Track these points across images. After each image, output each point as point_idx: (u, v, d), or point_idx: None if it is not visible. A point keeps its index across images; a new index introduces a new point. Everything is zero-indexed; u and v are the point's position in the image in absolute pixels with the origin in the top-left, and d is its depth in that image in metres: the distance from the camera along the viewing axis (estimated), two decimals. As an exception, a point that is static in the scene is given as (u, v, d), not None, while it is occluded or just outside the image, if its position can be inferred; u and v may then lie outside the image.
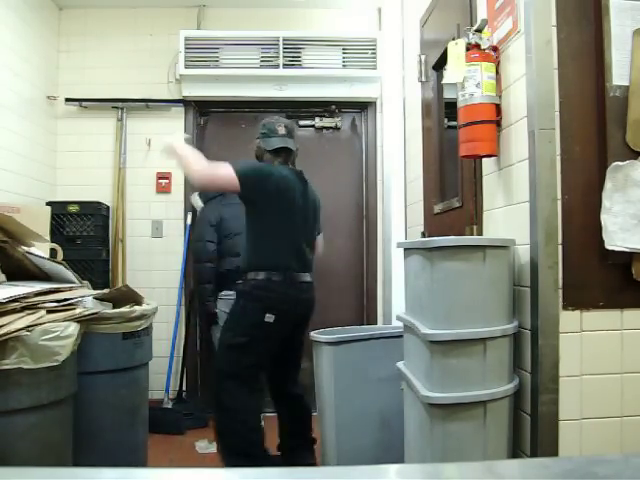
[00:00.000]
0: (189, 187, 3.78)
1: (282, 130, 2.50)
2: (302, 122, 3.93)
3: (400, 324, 2.03)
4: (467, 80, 1.92)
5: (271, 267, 2.35)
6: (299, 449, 2.52)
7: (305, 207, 2.49)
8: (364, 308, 3.89)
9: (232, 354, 2.37)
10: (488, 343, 1.64)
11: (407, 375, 1.86)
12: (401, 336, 2.04)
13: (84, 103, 3.75)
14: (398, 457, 2.07)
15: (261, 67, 3.68)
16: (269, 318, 2.30)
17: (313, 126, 3.94)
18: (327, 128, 3.95)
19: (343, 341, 2.33)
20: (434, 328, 1.64)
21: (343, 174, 3.95)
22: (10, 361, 1.68)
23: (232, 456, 2.31)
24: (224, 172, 2.29)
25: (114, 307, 2.26)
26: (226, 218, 3.25)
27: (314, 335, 2.39)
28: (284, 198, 2.39)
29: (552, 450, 1.70)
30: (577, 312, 1.72)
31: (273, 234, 2.37)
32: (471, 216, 2.28)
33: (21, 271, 2.13)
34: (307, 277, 2.46)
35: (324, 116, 3.93)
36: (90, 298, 2.20)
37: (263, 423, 2.51)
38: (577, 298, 1.72)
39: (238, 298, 2.43)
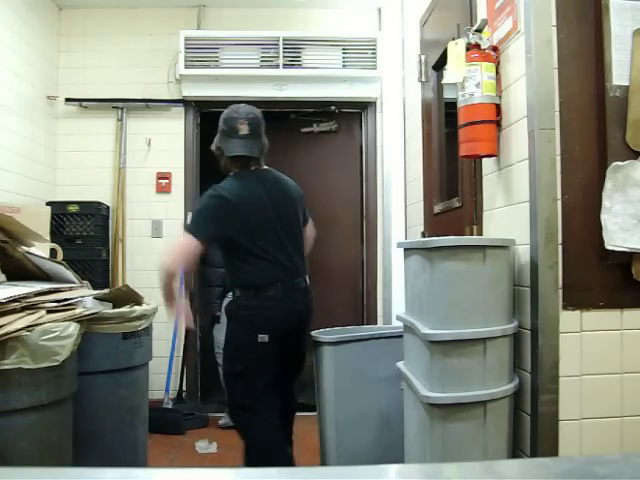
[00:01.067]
0: (189, 187, 3.79)
1: (244, 129, 2.21)
2: (302, 124, 3.93)
3: (400, 324, 2.03)
4: (467, 80, 1.92)
5: (256, 285, 2.20)
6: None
7: (279, 208, 2.25)
8: (364, 308, 3.88)
9: (236, 384, 2.23)
10: (488, 343, 1.64)
11: (407, 375, 1.86)
12: (401, 336, 2.04)
13: (84, 103, 3.75)
14: (398, 457, 2.06)
15: (261, 67, 3.68)
16: (262, 338, 2.14)
17: (313, 126, 3.95)
18: (327, 128, 3.95)
19: (343, 341, 2.33)
20: (434, 328, 1.64)
21: (343, 174, 3.95)
22: (10, 361, 1.68)
23: None
24: (179, 245, 2.17)
25: (114, 307, 2.26)
26: None
27: (314, 335, 2.39)
28: (250, 218, 2.18)
29: (552, 450, 1.70)
30: (577, 312, 1.72)
31: (252, 256, 2.19)
32: (471, 216, 2.28)
33: (21, 271, 2.13)
34: (301, 283, 2.29)
35: (324, 116, 3.93)
36: (90, 298, 2.20)
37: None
38: (577, 298, 1.72)
39: (227, 321, 2.31)
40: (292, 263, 2.26)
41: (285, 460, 2.21)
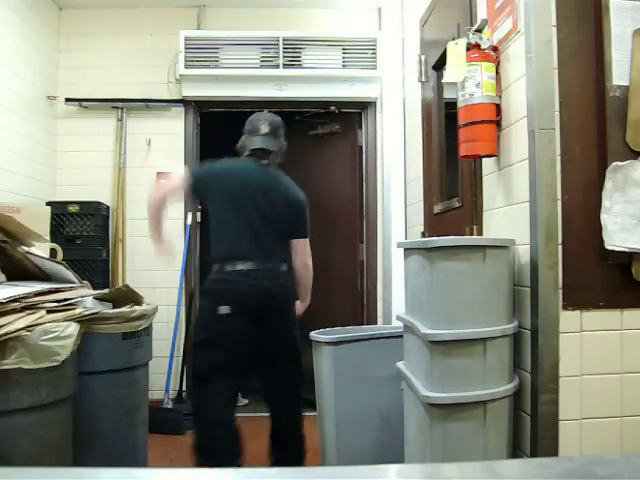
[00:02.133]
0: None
1: (265, 129, 2.42)
2: (306, 125, 3.93)
3: (400, 324, 2.03)
4: (467, 80, 1.92)
5: (221, 258, 2.32)
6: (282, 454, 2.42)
7: (263, 201, 2.35)
8: (364, 308, 3.88)
9: (196, 352, 2.36)
10: (488, 343, 1.64)
11: (407, 375, 1.86)
12: (401, 336, 2.04)
13: (84, 103, 3.75)
14: (398, 457, 2.06)
15: (261, 67, 3.68)
16: (223, 310, 2.23)
17: (313, 126, 3.95)
18: (327, 131, 3.95)
19: (343, 341, 2.33)
20: (434, 328, 1.64)
21: (343, 174, 3.95)
22: (10, 361, 1.68)
23: (196, 452, 2.27)
24: (171, 177, 2.48)
25: (114, 307, 2.26)
26: None
27: (314, 335, 2.39)
28: (226, 184, 2.36)
29: (552, 450, 1.70)
30: (577, 312, 1.72)
31: (220, 224, 2.35)
32: (471, 216, 2.28)
33: (21, 271, 2.13)
34: (268, 265, 2.33)
35: (324, 116, 3.93)
36: (90, 298, 2.20)
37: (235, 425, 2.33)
38: (577, 298, 1.72)
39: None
40: (262, 244, 2.34)
41: (227, 436, 2.26)
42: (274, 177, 2.45)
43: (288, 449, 2.41)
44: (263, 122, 2.44)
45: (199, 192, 2.46)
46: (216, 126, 3.95)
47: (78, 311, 1.94)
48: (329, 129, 3.94)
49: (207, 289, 2.37)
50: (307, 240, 2.51)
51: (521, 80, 1.84)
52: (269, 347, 2.38)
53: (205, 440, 2.27)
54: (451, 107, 2.35)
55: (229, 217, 2.34)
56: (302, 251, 2.50)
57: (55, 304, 1.91)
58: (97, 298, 2.25)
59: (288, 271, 2.45)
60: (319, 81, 3.70)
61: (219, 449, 2.25)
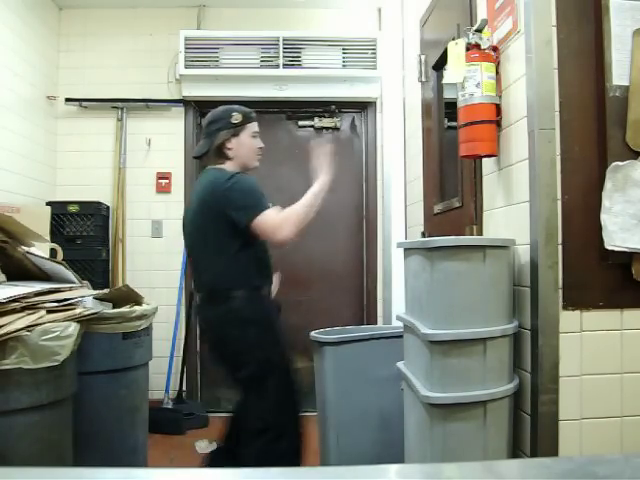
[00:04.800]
0: (189, 187, 3.79)
1: (203, 132, 2.21)
2: (302, 122, 3.93)
3: (400, 324, 2.03)
4: (467, 80, 1.92)
5: None
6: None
7: (187, 215, 2.19)
8: (364, 308, 3.89)
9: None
10: (488, 343, 1.64)
11: (407, 375, 1.86)
12: (401, 336, 2.04)
13: (84, 103, 3.75)
14: (398, 457, 2.07)
15: (261, 67, 3.68)
16: None
17: (313, 126, 3.95)
18: (327, 128, 3.95)
19: (343, 341, 2.33)
20: (434, 328, 1.64)
21: (343, 174, 3.95)
22: (10, 361, 1.68)
23: (296, 456, 2.07)
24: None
25: (114, 307, 2.26)
26: None
27: (314, 335, 2.39)
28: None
29: (552, 450, 1.70)
30: (577, 312, 1.72)
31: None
32: (471, 216, 2.28)
33: (21, 271, 2.13)
34: (197, 298, 2.16)
35: (324, 116, 3.93)
36: (90, 298, 2.20)
37: None
38: (577, 298, 1.72)
39: None
40: (196, 274, 2.17)
41: None
42: (199, 183, 2.16)
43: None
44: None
45: None
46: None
47: (78, 311, 1.94)
48: (329, 124, 3.93)
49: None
50: (263, 216, 1.96)
51: (521, 80, 1.84)
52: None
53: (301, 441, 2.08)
54: (451, 107, 2.35)
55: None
56: (265, 232, 1.98)
57: (55, 304, 1.91)
58: (97, 298, 2.25)
59: (215, 297, 2.06)
60: (319, 81, 3.70)
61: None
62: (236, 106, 2.20)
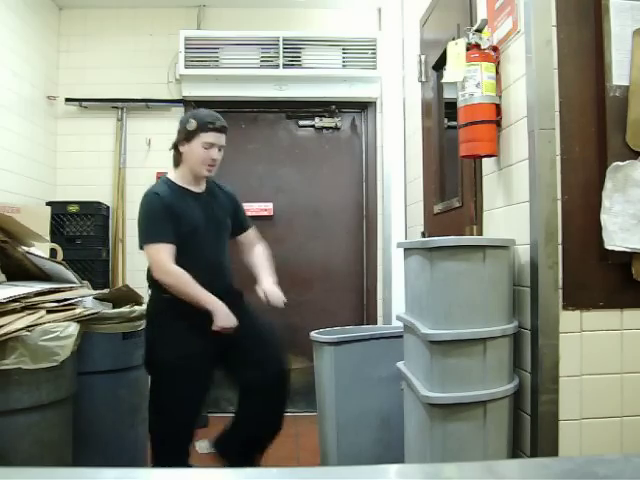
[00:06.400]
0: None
1: None
2: (302, 122, 3.93)
3: (400, 324, 2.03)
4: (467, 80, 1.92)
5: None
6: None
7: None
8: (364, 308, 3.88)
9: None
10: (488, 343, 1.64)
11: (407, 375, 1.86)
12: (401, 336, 2.04)
13: (84, 103, 3.75)
14: (398, 457, 2.07)
15: (261, 67, 3.68)
16: None
17: (313, 126, 3.94)
18: (327, 128, 3.95)
19: (343, 341, 2.33)
20: (434, 328, 1.64)
21: (343, 174, 3.95)
22: (10, 361, 1.68)
23: None
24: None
25: (114, 307, 2.26)
26: None
27: (314, 335, 2.39)
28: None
29: (552, 450, 1.70)
30: (577, 312, 1.72)
31: None
32: (471, 216, 2.28)
33: (21, 271, 2.13)
34: None
35: (324, 116, 3.93)
36: (90, 298, 2.20)
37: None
38: (577, 298, 1.72)
39: None
40: None
41: None
42: None
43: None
44: None
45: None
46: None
47: (78, 311, 1.94)
48: (329, 123, 3.92)
49: None
50: (149, 249, 2.07)
51: (521, 80, 1.84)
52: None
53: None
54: (451, 107, 2.35)
55: None
56: (149, 263, 2.09)
57: (55, 304, 1.91)
58: (97, 298, 2.25)
59: (152, 297, 2.18)
60: (319, 81, 3.70)
61: None
62: (202, 114, 2.24)
